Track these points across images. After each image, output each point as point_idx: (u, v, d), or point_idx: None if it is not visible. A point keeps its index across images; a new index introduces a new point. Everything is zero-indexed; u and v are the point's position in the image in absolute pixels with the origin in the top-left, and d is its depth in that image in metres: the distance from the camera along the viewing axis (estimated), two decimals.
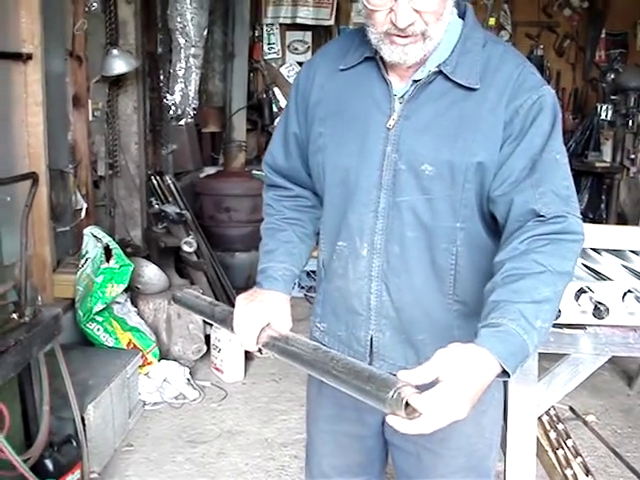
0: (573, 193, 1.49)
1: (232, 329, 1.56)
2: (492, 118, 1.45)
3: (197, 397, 3.90)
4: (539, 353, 2.45)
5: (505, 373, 1.28)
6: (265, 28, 6.94)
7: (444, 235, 1.52)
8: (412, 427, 1.19)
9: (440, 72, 1.47)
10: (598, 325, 2.45)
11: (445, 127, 1.47)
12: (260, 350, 1.57)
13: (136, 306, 4.11)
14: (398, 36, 1.41)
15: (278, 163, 1.74)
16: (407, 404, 1.17)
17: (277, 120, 6.62)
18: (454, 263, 1.54)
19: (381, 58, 1.51)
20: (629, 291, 2.41)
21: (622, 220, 6.30)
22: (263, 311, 1.53)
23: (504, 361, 1.26)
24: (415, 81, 1.50)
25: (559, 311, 2.26)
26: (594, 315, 2.28)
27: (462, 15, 1.54)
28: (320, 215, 1.72)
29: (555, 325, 2.42)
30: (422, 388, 1.19)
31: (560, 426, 3.46)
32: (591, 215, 6.37)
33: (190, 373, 4.03)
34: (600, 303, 2.28)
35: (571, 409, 3.81)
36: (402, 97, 1.51)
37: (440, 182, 1.48)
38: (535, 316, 1.32)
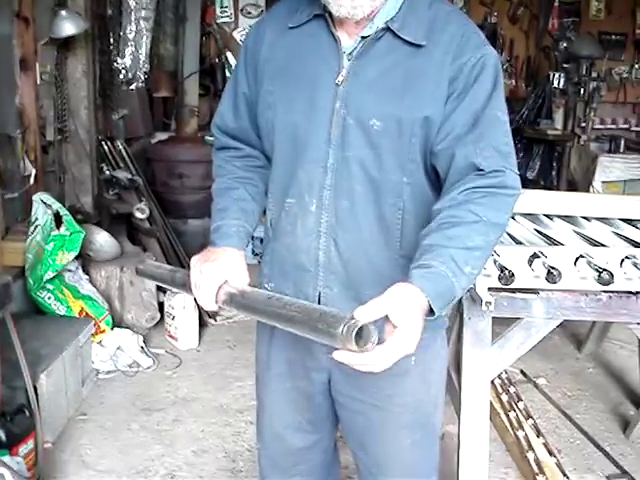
0: (512, 150, 1.53)
1: (191, 291, 1.57)
2: (438, 74, 1.48)
3: (151, 365, 3.87)
4: (493, 317, 2.49)
5: (432, 312, 1.32)
6: None
7: (391, 189, 1.55)
8: (364, 361, 1.23)
9: (388, 29, 1.50)
10: (550, 290, 2.48)
11: (393, 83, 1.50)
12: (216, 314, 1.57)
13: (88, 274, 4.05)
14: None
15: (228, 124, 1.74)
16: (358, 337, 1.20)
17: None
18: (400, 218, 1.57)
19: (330, 15, 1.52)
20: (581, 256, 2.45)
21: (572, 187, 6.39)
22: (218, 269, 1.53)
23: (432, 300, 1.31)
24: (363, 37, 1.52)
25: (512, 275, 2.28)
26: (547, 279, 2.31)
27: None
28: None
29: (508, 290, 2.45)
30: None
31: (512, 389, 3.54)
32: (542, 182, 6.44)
33: (144, 341, 4.00)
34: (553, 268, 2.30)
35: (522, 372, 3.88)
36: (350, 54, 1.52)
37: (388, 136, 1.51)
38: (465, 262, 1.37)
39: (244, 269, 1.57)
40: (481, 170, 1.45)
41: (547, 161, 6.45)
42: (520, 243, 2.64)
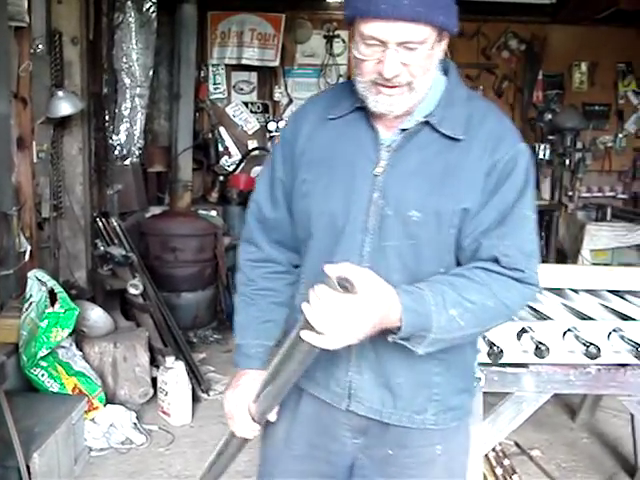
0: (536, 249, 1.59)
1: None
2: (475, 168, 1.53)
3: (144, 442, 3.84)
4: (484, 392, 2.51)
5: (397, 329, 1.40)
6: (211, 68, 6.99)
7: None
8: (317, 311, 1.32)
9: (427, 123, 1.55)
10: (540, 363, 2.52)
11: (431, 175, 1.54)
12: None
13: (81, 349, 4.05)
14: (384, 86, 1.48)
15: (264, 213, 1.76)
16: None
17: (260, 169, 6.65)
18: None
19: (363, 107, 1.57)
20: (569, 330, 2.49)
21: (562, 256, 6.45)
22: (242, 396, 1.68)
23: (404, 311, 1.38)
24: (402, 130, 1.56)
25: (501, 351, 2.32)
26: (535, 354, 2.35)
27: (445, 72, 1.61)
28: (293, 280, 1.76)
29: (498, 364, 2.49)
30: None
31: (506, 461, 3.52)
32: None
33: (137, 417, 3.98)
34: (541, 343, 2.35)
35: (516, 444, 3.88)
36: (389, 146, 1.57)
37: (426, 228, 1.53)
38: (453, 304, 1.43)
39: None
40: (503, 267, 1.51)
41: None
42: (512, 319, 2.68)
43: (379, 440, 1.67)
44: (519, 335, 2.45)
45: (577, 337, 2.44)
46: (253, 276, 1.78)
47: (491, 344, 2.33)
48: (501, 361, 2.42)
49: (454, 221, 1.53)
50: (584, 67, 7.27)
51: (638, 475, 3.27)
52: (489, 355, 2.32)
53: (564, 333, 2.48)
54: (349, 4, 1.49)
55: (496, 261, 1.51)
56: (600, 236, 6.04)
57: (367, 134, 1.59)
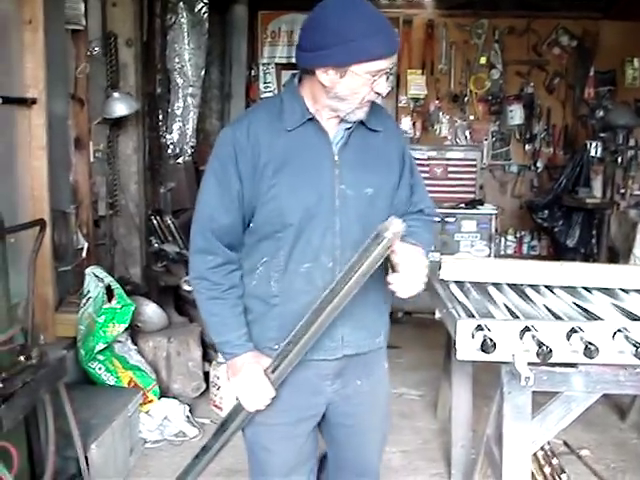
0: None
1: (249, 409, 2.06)
2: (395, 151, 2.14)
3: (197, 434, 3.93)
4: (533, 392, 2.53)
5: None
6: (261, 68, 7.07)
7: None
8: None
9: (361, 122, 2.03)
10: (589, 364, 2.52)
11: (371, 159, 2.07)
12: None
13: (136, 344, 4.16)
14: (366, 102, 1.97)
15: (219, 221, 2.03)
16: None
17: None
18: None
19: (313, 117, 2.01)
20: (619, 330, 2.49)
21: (613, 254, 6.38)
22: (259, 369, 2.03)
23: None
24: (347, 129, 2.03)
25: (550, 351, 2.33)
26: (585, 355, 2.36)
27: None
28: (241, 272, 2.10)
29: (547, 364, 2.50)
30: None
31: (555, 461, 3.52)
32: (583, 250, 6.45)
33: (190, 410, 4.07)
34: (590, 343, 2.35)
35: (565, 444, 3.87)
36: (338, 143, 2.03)
37: (377, 199, 2.05)
38: (426, 241, 2.11)
39: (259, 355, 2.05)
40: (427, 214, 2.24)
41: (586, 229, 6.47)
42: (559, 318, 2.69)
43: (352, 374, 2.16)
44: (568, 335, 2.46)
45: (627, 337, 2.44)
46: (218, 280, 2.04)
47: (540, 344, 2.34)
48: (550, 361, 2.43)
49: (392, 191, 2.11)
50: (637, 63, 7.15)
51: None
52: (538, 355, 2.33)
53: (614, 333, 2.48)
54: (342, 50, 1.84)
55: (421, 211, 2.21)
56: None
57: (321, 137, 2.01)
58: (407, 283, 1.92)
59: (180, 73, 6.01)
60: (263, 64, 7.05)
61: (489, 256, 6.08)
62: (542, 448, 3.59)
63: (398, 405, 4.41)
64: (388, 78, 1.97)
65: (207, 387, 4.32)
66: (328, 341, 2.05)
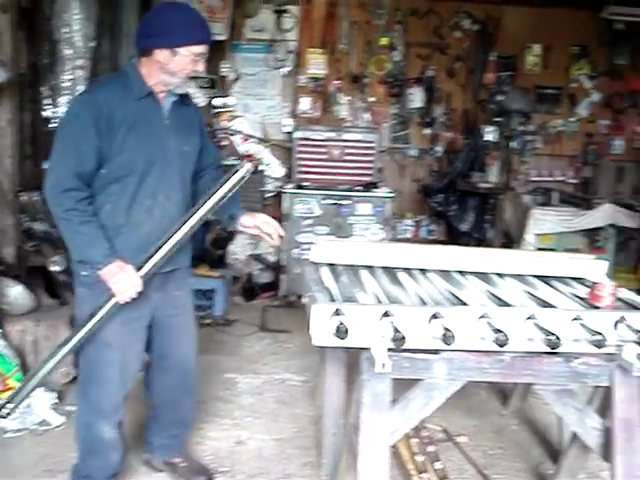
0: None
1: (122, 299, 2.65)
2: (196, 121, 2.96)
3: (62, 423, 3.71)
4: (393, 379, 2.43)
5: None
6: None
7: (189, 183, 2.92)
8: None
9: (179, 96, 2.80)
10: (452, 350, 2.44)
11: (186, 124, 2.86)
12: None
13: (2, 327, 3.91)
14: (188, 79, 2.75)
15: (85, 167, 2.60)
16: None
17: None
18: (189, 196, 2.92)
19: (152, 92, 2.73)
20: (482, 316, 2.41)
21: (508, 239, 6.41)
22: (130, 268, 2.65)
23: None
24: (173, 102, 2.80)
25: (403, 337, 2.23)
26: (442, 341, 2.27)
27: None
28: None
29: (408, 350, 2.40)
30: None
31: (431, 448, 3.46)
32: (476, 234, 6.45)
33: (58, 397, 3.85)
34: (448, 329, 2.26)
35: (444, 430, 3.81)
36: (167, 110, 2.78)
37: (191, 155, 2.90)
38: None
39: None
40: (217, 165, 3.11)
41: (480, 214, 6.46)
42: (425, 303, 2.60)
43: (170, 286, 2.90)
44: (430, 321, 2.36)
45: (489, 324, 2.36)
46: (85, 208, 2.62)
47: (396, 329, 2.23)
48: (409, 347, 2.33)
49: (197, 150, 2.93)
50: (537, 49, 7.16)
51: (560, 462, 3.21)
52: (393, 341, 2.22)
53: (477, 319, 2.40)
54: (177, 36, 2.61)
55: (217, 166, 3.10)
56: (545, 220, 6.00)
57: (157, 107, 2.75)
58: (272, 236, 2.96)
59: (68, 44, 5.67)
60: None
61: (384, 240, 6.02)
62: (418, 436, 3.53)
63: (278, 392, 4.30)
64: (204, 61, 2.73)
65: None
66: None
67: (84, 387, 2.94)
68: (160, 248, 2.67)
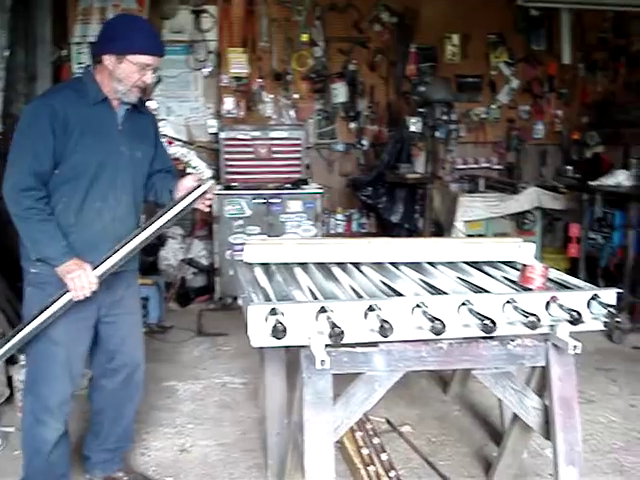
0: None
1: (77, 296, 2.68)
2: (152, 131, 3.07)
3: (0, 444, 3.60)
4: (333, 374, 2.43)
5: None
6: (74, 47, 6.63)
7: (141, 188, 3.00)
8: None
9: (134, 105, 2.88)
10: (391, 341, 2.45)
11: (140, 133, 2.95)
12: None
13: None
14: (138, 88, 2.80)
15: (42, 167, 2.67)
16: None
17: None
18: (141, 201, 3.03)
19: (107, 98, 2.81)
20: (417, 306, 2.42)
21: (438, 228, 6.48)
22: (88, 266, 2.68)
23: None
24: (127, 110, 2.88)
25: (342, 332, 2.22)
26: (379, 333, 2.27)
27: None
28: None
29: (347, 345, 2.40)
30: None
31: (376, 440, 3.47)
32: (407, 225, 6.50)
33: None
34: (385, 321, 2.26)
35: (387, 421, 3.83)
36: (121, 117, 2.86)
37: (144, 161, 2.97)
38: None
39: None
40: (169, 170, 3.13)
41: (410, 205, 6.50)
42: (361, 297, 2.60)
43: (117, 287, 2.94)
44: (366, 314, 2.36)
45: (424, 313, 2.38)
46: (43, 207, 2.69)
47: (333, 325, 2.22)
48: (348, 341, 2.33)
49: (150, 157, 3.01)
50: (456, 39, 7.25)
51: (502, 443, 3.26)
52: (330, 337, 2.21)
53: (412, 309, 2.41)
54: (122, 44, 2.69)
55: (169, 171, 3.11)
56: (473, 207, 6.09)
57: (111, 113, 2.84)
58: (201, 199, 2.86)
59: None
60: (75, 43, 6.61)
61: (316, 236, 6.02)
62: (363, 428, 3.54)
63: (220, 396, 4.26)
64: (154, 72, 2.81)
65: (12, 393, 3.97)
66: (107, 249, 2.76)
67: (31, 385, 2.95)
68: (119, 251, 2.74)
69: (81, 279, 2.66)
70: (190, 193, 2.82)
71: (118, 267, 2.78)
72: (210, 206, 2.95)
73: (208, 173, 6.56)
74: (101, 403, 3.15)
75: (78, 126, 2.69)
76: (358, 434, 3.44)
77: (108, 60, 2.72)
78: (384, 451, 3.38)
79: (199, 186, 2.82)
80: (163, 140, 3.08)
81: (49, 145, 2.66)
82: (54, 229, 2.69)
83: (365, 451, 3.31)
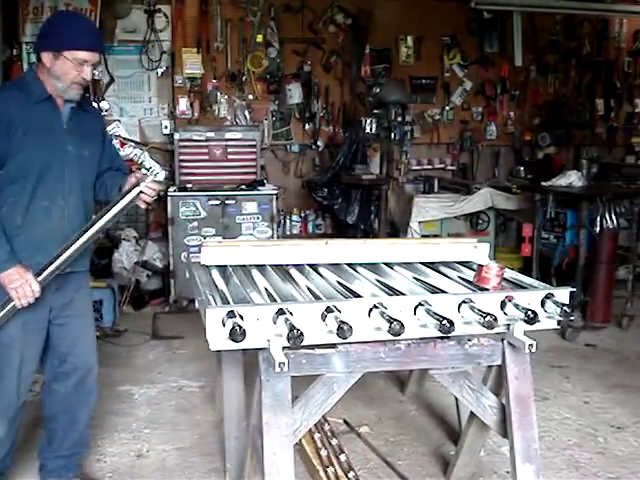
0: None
1: (19, 304, 2.68)
2: (98, 129, 3.05)
3: None
4: (292, 376, 2.42)
5: None
6: (24, 47, 6.51)
7: (90, 187, 2.97)
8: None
9: (79, 103, 2.85)
10: (349, 343, 2.45)
11: (86, 130, 2.91)
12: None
13: None
14: (78, 85, 2.76)
15: None
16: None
17: None
18: (91, 200, 3.00)
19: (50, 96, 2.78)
20: (375, 307, 2.42)
21: (393, 229, 6.52)
22: (30, 274, 2.67)
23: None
24: (72, 108, 2.84)
25: (301, 334, 2.21)
26: (338, 335, 2.26)
27: None
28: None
29: (305, 347, 2.39)
30: None
31: (334, 441, 3.47)
32: (362, 226, 6.51)
33: None
34: (343, 322, 2.26)
35: (345, 422, 3.83)
36: (66, 116, 2.83)
37: (91, 159, 2.94)
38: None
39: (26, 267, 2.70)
40: (119, 168, 3.11)
41: (365, 205, 6.50)
42: (318, 298, 2.59)
43: (67, 288, 2.92)
44: (324, 315, 2.36)
45: (382, 314, 2.38)
46: None
47: (292, 327, 2.21)
48: (306, 343, 2.32)
49: (98, 155, 2.98)
50: (410, 41, 7.32)
51: (460, 442, 3.28)
52: (289, 339, 2.20)
53: (370, 310, 2.42)
54: (58, 39, 2.68)
55: (119, 169, 3.09)
56: (428, 208, 6.15)
57: (55, 111, 2.81)
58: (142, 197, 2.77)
59: None
60: (26, 43, 6.49)
61: (272, 237, 6.00)
62: (321, 430, 3.53)
63: (177, 399, 4.22)
64: (95, 69, 2.82)
65: None
66: (55, 249, 2.73)
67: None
68: (60, 256, 2.70)
69: (23, 288, 2.65)
70: (130, 191, 2.77)
71: (63, 269, 2.76)
72: (148, 204, 2.87)
73: (162, 174, 6.52)
74: (54, 408, 3.10)
75: (21, 125, 2.68)
76: (316, 435, 3.43)
77: (46, 57, 2.70)
78: (343, 452, 3.38)
79: (138, 183, 2.77)
80: (112, 139, 2.99)
81: None
82: None
83: (324, 452, 3.30)
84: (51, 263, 2.69)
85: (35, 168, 2.72)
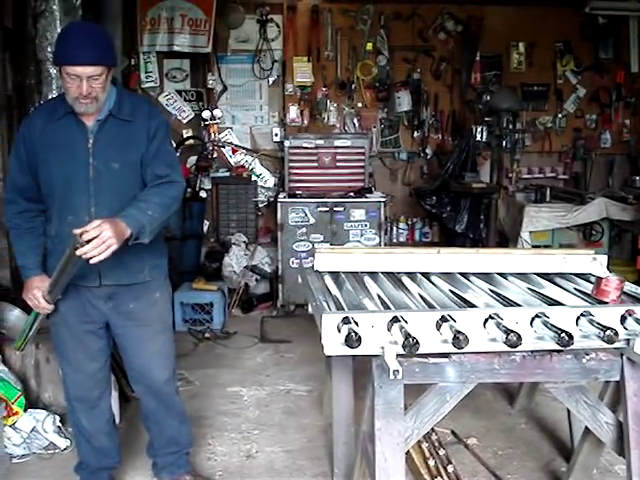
0: (175, 163, 2.93)
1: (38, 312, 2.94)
2: (141, 134, 2.79)
3: (68, 446, 3.68)
4: (405, 385, 2.42)
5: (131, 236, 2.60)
6: (142, 56, 6.77)
7: (128, 200, 2.72)
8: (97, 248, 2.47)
9: (111, 114, 2.75)
10: (463, 353, 2.43)
11: (120, 141, 2.77)
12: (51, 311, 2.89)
13: (1, 352, 3.87)
14: (82, 99, 2.63)
15: (18, 181, 2.85)
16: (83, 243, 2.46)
17: None
18: None
19: (72, 112, 2.72)
20: (490, 317, 2.40)
21: (503, 239, 6.41)
22: (36, 288, 2.82)
23: (127, 224, 2.56)
24: (98, 120, 2.74)
25: (416, 342, 2.21)
26: (453, 344, 2.25)
27: (114, 82, 2.78)
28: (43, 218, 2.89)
29: (420, 355, 2.39)
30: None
31: (442, 452, 3.44)
32: (471, 235, 6.44)
33: (61, 421, 3.81)
34: (459, 332, 2.25)
35: (453, 433, 3.80)
36: (92, 130, 2.75)
37: (124, 171, 2.78)
38: (146, 208, 2.66)
39: (44, 278, 2.83)
40: (159, 175, 2.79)
41: (475, 214, 6.44)
42: (432, 307, 2.59)
43: (122, 299, 2.91)
44: (439, 325, 2.35)
45: (498, 325, 2.35)
46: (19, 222, 2.87)
47: (407, 335, 2.22)
48: (421, 352, 2.32)
49: (136, 165, 2.80)
50: (522, 47, 7.20)
51: (573, 458, 3.20)
52: (404, 347, 2.21)
53: (485, 321, 2.39)
54: (56, 54, 2.63)
55: (159, 177, 2.79)
56: (539, 218, 6.01)
57: (79, 126, 2.75)
58: (90, 252, 2.48)
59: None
60: (143, 53, 6.75)
61: (379, 244, 6.01)
62: (428, 439, 3.51)
63: (285, 402, 4.28)
64: (97, 81, 2.62)
65: None
66: (89, 274, 2.79)
67: (63, 377, 3.15)
68: (61, 272, 2.69)
69: (32, 301, 2.85)
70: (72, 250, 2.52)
71: (112, 278, 2.82)
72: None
73: (271, 181, 6.68)
74: (143, 414, 3.22)
75: (41, 142, 2.74)
76: (424, 445, 3.42)
77: (58, 71, 2.69)
78: (450, 463, 3.35)
79: (76, 248, 2.48)
80: (163, 143, 2.84)
81: (22, 162, 2.79)
82: (25, 245, 2.86)
83: (432, 462, 3.29)
84: (52, 280, 2.77)
85: (57, 183, 2.75)
